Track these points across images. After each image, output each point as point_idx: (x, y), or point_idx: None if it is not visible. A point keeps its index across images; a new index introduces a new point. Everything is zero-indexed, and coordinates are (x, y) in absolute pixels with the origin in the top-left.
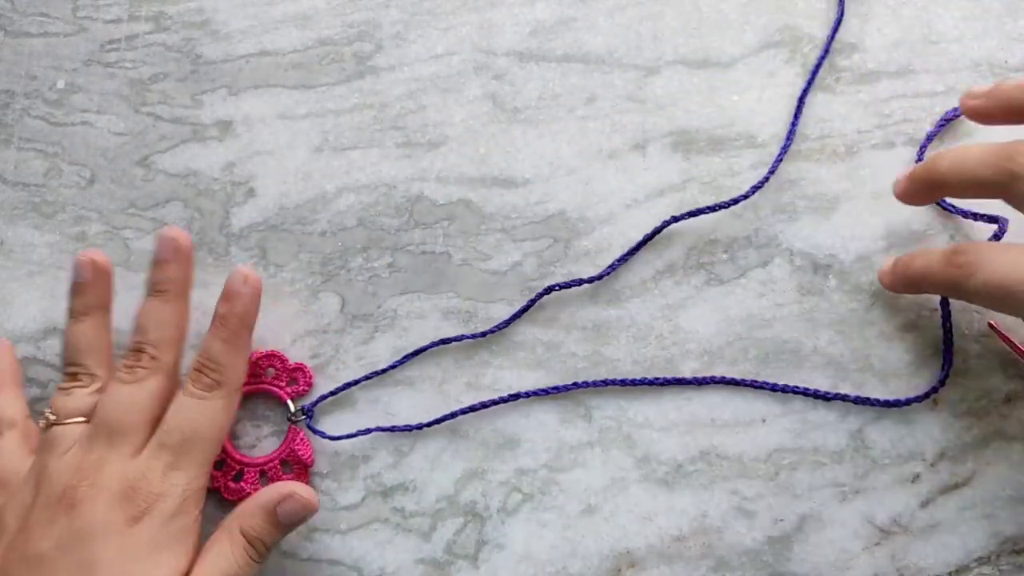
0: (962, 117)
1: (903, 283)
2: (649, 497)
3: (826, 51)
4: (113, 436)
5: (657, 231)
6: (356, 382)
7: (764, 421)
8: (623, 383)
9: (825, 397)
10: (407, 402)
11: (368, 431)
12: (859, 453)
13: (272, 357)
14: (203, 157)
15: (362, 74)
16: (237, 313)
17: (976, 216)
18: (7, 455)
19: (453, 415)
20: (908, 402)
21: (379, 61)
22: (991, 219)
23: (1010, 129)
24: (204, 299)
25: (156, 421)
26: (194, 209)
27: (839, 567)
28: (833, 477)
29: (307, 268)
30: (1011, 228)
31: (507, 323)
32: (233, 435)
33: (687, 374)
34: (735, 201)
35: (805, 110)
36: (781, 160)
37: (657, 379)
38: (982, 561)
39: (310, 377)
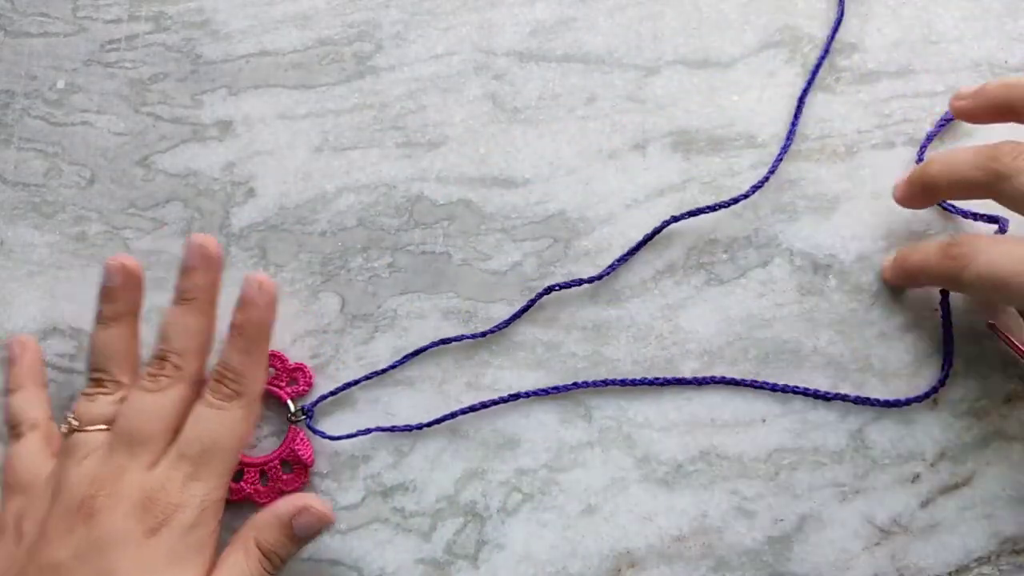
0: None
1: (902, 276)
2: (649, 497)
3: (826, 51)
4: (133, 445)
5: (657, 231)
6: (356, 382)
7: (764, 421)
8: (623, 383)
9: (825, 397)
10: (407, 402)
11: (368, 431)
12: (859, 453)
13: (272, 357)
14: (203, 157)
15: (362, 74)
16: (254, 321)
17: (976, 216)
18: (29, 457)
19: (453, 415)
20: (908, 402)
21: (379, 61)
22: (991, 219)
23: (1011, 128)
24: None
25: (177, 431)
26: (194, 209)
27: (839, 567)
28: (833, 477)
29: (307, 268)
30: (1011, 228)
31: (507, 323)
32: None
33: (687, 374)
34: (735, 201)
35: (805, 110)
36: (781, 160)
37: (657, 379)
38: (982, 561)
39: (310, 377)
